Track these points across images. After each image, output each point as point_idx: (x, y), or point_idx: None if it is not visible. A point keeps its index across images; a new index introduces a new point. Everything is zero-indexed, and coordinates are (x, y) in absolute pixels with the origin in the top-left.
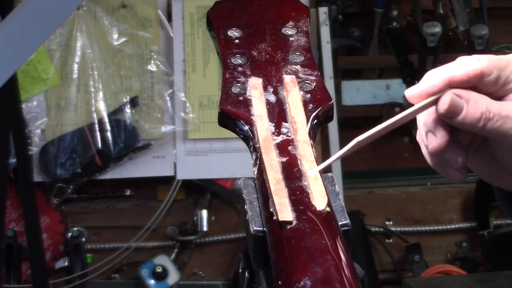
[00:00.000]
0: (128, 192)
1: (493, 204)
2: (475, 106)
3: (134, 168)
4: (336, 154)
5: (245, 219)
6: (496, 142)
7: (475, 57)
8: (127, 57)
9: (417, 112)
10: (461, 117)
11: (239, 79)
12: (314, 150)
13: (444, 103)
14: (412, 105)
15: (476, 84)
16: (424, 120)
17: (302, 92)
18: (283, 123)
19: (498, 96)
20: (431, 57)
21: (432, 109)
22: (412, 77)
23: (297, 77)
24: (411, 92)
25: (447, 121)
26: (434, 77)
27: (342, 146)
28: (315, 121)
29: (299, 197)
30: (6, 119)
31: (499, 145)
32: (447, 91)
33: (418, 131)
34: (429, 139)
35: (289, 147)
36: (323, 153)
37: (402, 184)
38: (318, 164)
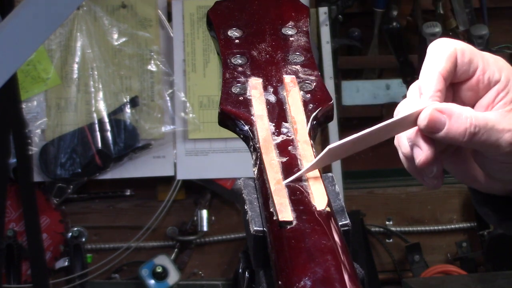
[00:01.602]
0: (128, 192)
1: None
2: (458, 121)
3: (134, 168)
4: (310, 163)
5: (245, 219)
6: (481, 152)
7: (445, 41)
8: (127, 57)
9: (401, 126)
10: (444, 132)
11: (239, 79)
12: (314, 150)
13: (423, 119)
14: None
15: (454, 69)
16: (409, 134)
17: (302, 92)
18: (283, 123)
19: (474, 90)
20: None
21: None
22: (412, 77)
23: (297, 77)
24: (420, 109)
25: (430, 136)
26: (430, 80)
27: None
28: (315, 121)
29: (299, 197)
30: (6, 119)
31: (484, 154)
32: (428, 106)
33: (396, 137)
34: (415, 153)
35: (289, 147)
36: None
37: (402, 184)
38: None
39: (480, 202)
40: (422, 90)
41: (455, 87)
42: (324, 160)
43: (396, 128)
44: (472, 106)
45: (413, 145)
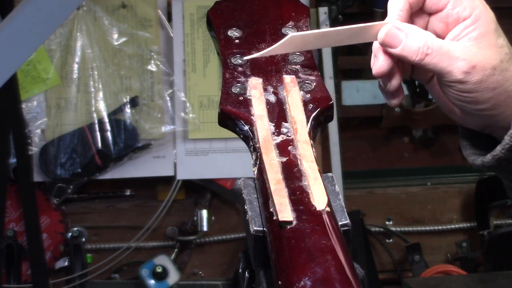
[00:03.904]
0: (128, 192)
1: (493, 204)
2: (414, 39)
3: (134, 168)
4: (272, 47)
5: (245, 219)
6: (436, 77)
7: None
8: (127, 57)
9: (363, 36)
10: (399, 48)
11: (239, 79)
12: (314, 150)
13: (382, 34)
14: None
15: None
16: (374, 47)
17: (302, 92)
18: (283, 123)
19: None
20: None
21: None
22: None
23: (297, 77)
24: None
25: (387, 50)
26: (396, 1)
27: (342, 146)
28: (315, 121)
29: (299, 197)
30: (6, 119)
31: (439, 80)
32: (390, 22)
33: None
34: (373, 63)
35: (289, 147)
36: (323, 153)
37: (402, 184)
38: (318, 164)
39: (461, 134)
40: (388, 10)
41: (430, 18)
42: (285, 46)
43: (358, 36)
44: (443, 38)
45: (374, 55)
